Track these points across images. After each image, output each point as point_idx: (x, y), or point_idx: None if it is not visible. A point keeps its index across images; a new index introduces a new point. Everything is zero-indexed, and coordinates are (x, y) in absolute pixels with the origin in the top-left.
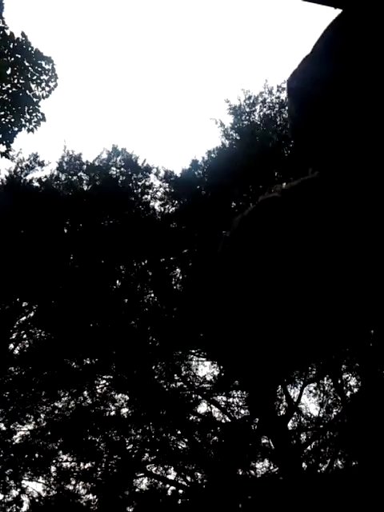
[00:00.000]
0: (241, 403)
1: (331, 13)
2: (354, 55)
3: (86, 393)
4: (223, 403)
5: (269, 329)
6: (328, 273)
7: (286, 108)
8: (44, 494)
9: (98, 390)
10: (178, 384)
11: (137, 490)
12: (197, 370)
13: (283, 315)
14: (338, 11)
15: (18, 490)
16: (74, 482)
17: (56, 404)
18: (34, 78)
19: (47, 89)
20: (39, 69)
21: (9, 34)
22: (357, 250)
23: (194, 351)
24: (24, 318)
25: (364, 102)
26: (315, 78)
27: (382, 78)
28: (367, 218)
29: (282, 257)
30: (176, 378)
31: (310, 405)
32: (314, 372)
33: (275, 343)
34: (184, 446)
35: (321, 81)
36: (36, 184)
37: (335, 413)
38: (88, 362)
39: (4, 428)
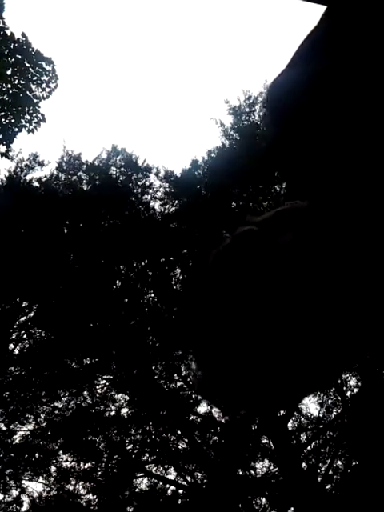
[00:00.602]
0: None
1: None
2: (341, 58)
3: (86, 393)
4: None
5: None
6: (309, 307)
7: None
8: (44, 494)
9: (98, 390)
10: (178, 384)
11: (137, 489)
12: None
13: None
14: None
15: (18, 490)
16: (74, 482)
17: (56, 404)
18: (35, 78)
19: (47, 90)
20: (39, 70)
21: (9, 34)
22: (338, 278)
23: None
24: (24, 318)
25: (350, 111)
26: (296, 85)
27: (373, 82)
28: (354, 248)
29: (259, 292)
30: (176, 378)
31: (310, 405)
32: None
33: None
34: (184, 446)
35: (302, 88)
36: (36, 184)
37: (335, 413)
38: (88, 362)
39: (4, 428)
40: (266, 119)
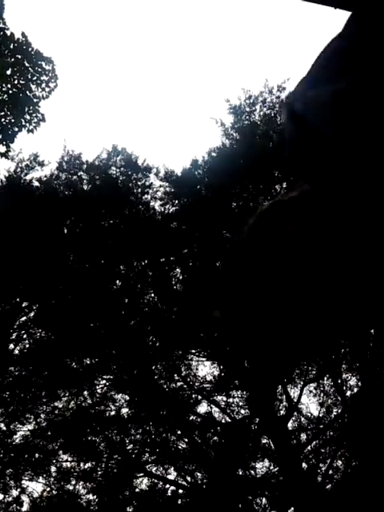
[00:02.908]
0: (241, 403)
1: (331, 13)
2: (370, 75)
3: (86, 393)
4: (223, 403)
5: (272, 325)
6: (330, 275)
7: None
8: (44, 494)
9: (98, 390)
10: (178, 384)
11: (137, 489)
12: (197, 370)
13: (287, 312)
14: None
15: (18, 489)
16: (74, 482)
17: (56, 404)
18: (34, 78)
19: (47, 89)
20: (39, 69)
21: (9, 34)
22: (354, 253)
23: (194, 351)
24: (24, 318)
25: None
26: (314, 99)
27: None
28: (360, 226)
29: (291, 258)
30: (176, 378)
31: (310, 405)
32: (314, 372)
33: (278, 340)
34: (184, 445)
35: (320, 103)
36: (36, 184)
37: (335, 413)
38: (88, 362)
39: (4, 428)
40: (285, 124)
